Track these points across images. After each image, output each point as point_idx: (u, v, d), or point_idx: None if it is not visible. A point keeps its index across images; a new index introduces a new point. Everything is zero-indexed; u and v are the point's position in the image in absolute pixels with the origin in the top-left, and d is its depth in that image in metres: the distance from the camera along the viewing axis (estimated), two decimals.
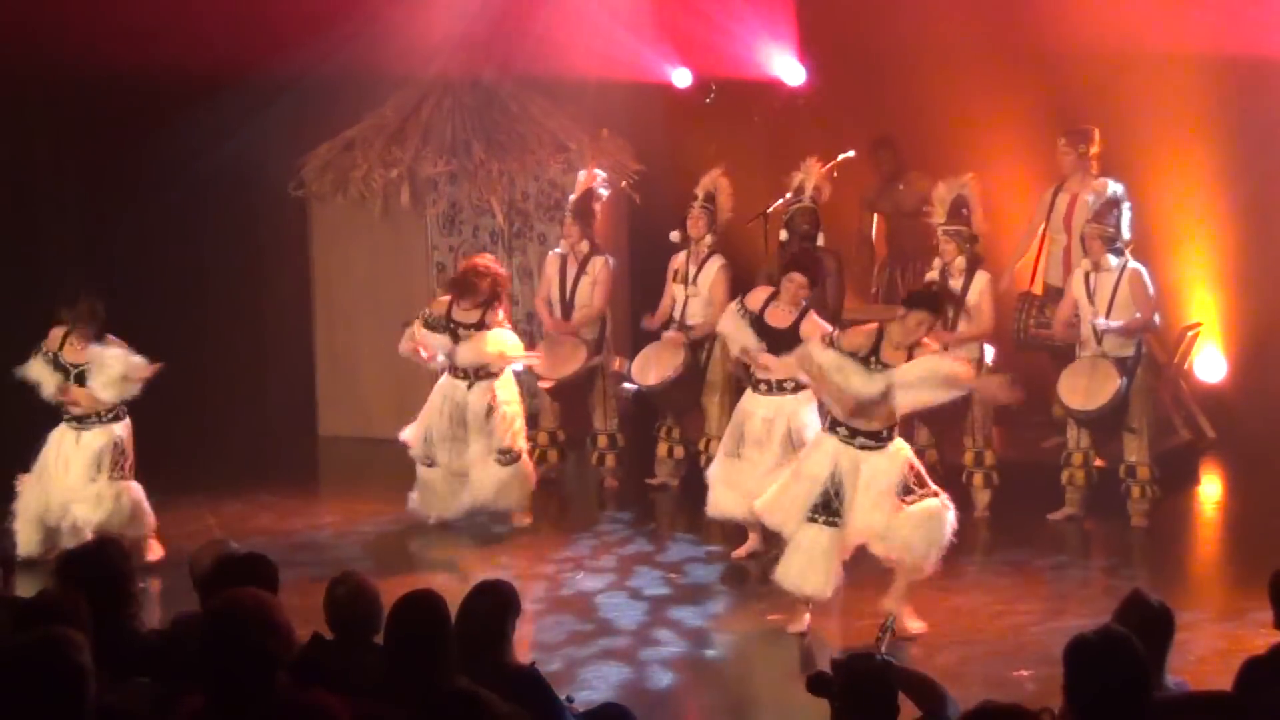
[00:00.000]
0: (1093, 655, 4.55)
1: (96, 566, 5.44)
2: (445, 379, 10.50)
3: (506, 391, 10.43)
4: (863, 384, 8.24)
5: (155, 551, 9.82)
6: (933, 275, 10.47)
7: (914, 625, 8.36)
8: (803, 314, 9.52)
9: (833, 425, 8.44)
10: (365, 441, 12.87)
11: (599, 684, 7.70)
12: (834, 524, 8.29)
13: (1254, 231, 12.05)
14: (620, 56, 12.71)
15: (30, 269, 12.72)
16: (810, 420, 9.43)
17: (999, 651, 8.15)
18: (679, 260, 11.15)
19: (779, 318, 9.56)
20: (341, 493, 11.69)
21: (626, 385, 11.13)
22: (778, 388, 9.52)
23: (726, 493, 9.65)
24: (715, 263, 11.00)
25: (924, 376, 8.20)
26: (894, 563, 8.37)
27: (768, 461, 9.44)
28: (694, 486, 11.31)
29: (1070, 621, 7.72)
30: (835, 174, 11.27)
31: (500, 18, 12.65)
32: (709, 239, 11.00)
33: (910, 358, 8.25)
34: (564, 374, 11.08)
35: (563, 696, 5.49)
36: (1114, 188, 10.22)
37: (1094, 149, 10.95)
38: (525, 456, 10.51)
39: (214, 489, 10.68)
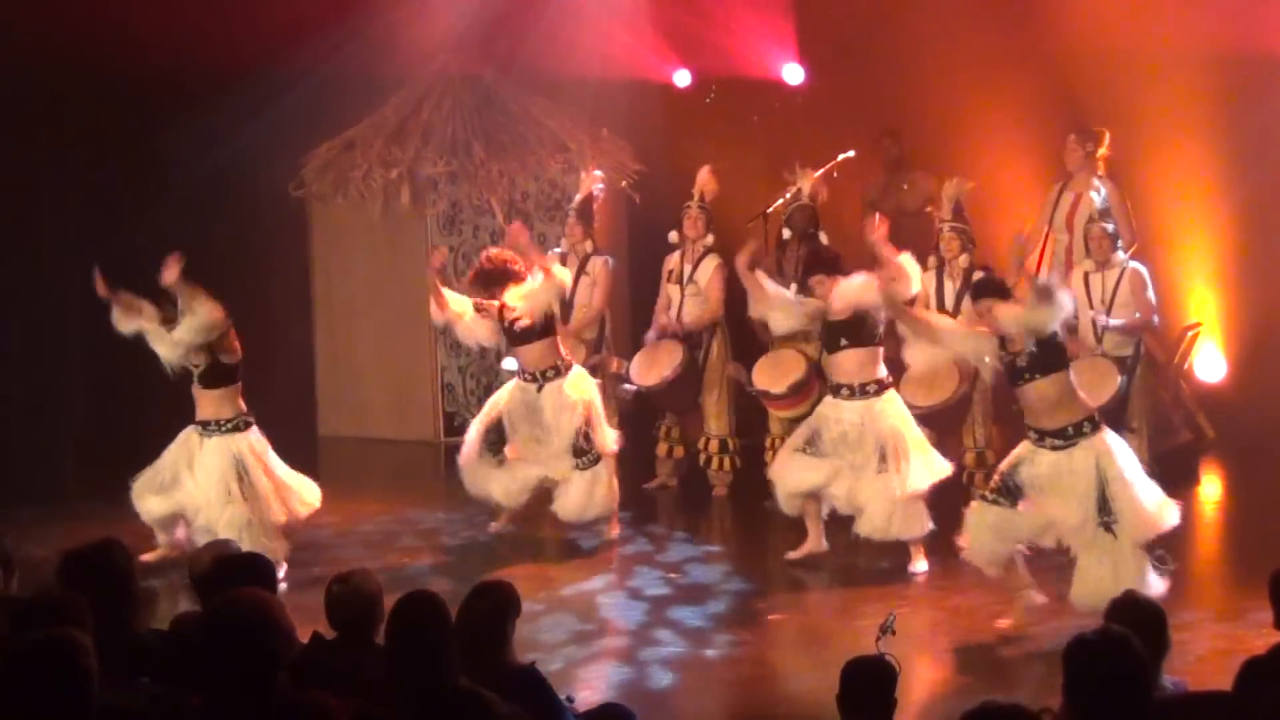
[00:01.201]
0: (1092, 655, 4.55)
1: (98, 566, 5.44)
2: (515, 383, 10.20)
3: (577, 389, 10.08)
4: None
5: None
6: (929, 273, 10.47)
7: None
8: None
9: (1027, 429, 8.31)
10: (365, 441, 12.88)
11: (599, 684, 7.69)
12: (999, 503, 8.18)
13: (1253, 231, 12.05)
14: (620, 56, 12.72)
15: (31, 269, 12.73)
16: (903, 417, 9.37)
17: (999, 652, 8.15)
18: (673, 261, 11.17)
19: (839, 309, 9.41)
20: (341, 493, 11.67)
21: (626, 386, 11.14)
22: (860, 391, 9.37)
23: (794, 472, 9.43)
24: (712, 261, 11.02)
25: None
26: None
27: (860, 463, 9.28)
28: (695, 486, 11.34)
29: (1070, 621, 7.71)
30: (836, 174, 11.28)
31: (500, 18, 12.65)
32: (708, 239, 11.02)
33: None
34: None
35: (563, 696, 5.49)
36: (1104, 190, 10.26)
37: (1102, 150, 10.93)
38: (606, 458, 10.08)
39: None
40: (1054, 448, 8.14)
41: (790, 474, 9.48)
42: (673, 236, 11.15)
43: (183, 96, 12.24)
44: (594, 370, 11.25)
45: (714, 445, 11.24)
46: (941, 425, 10.52)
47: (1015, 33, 11.96)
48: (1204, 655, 7.74)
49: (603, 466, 10.07)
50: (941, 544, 8.92)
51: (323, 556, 9.87)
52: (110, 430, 12.49)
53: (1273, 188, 11.89)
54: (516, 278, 9.97)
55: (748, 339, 10.89)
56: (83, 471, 11.99)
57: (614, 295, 11.56)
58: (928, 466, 9.31)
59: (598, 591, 9.35)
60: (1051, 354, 8.12)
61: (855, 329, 9.35)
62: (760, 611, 8.97)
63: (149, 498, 9.61)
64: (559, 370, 10.07)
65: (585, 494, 10.04)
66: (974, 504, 8.35)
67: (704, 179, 11.04)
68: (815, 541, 9.59)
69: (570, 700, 5.62)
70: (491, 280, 10.04)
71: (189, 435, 9.65)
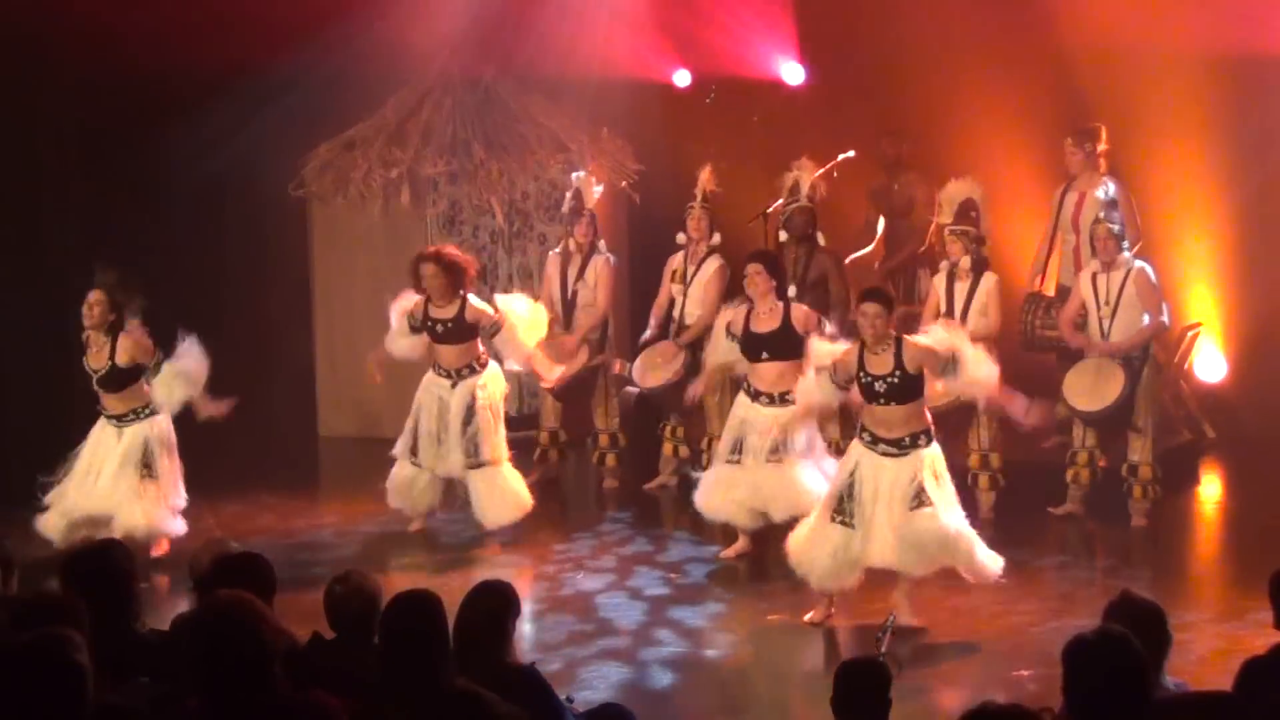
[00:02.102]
0: (1092, 655, 4.55)
1: (99, 566, 5.44)
2: (429, 376, 10.35)
3: (487, 392, 10.22)
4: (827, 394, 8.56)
5: (161, 547, 9.83)
6: (940, 276, 10.47)
7: (911, 620, 8.38)
8: (787, 310, 9.57)
9: (860, 430, 8.51)
10: (365, 441, 12.85)
11: (599, 684, 7.69)
12: (848, 525, 8.33)
13: (1253, 231, 12.05)
14: (620, 56, 12.71)
15: (32, 269, 12.72)
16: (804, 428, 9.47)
17: (999, 651, 8.15)
18: (676, 260, 11.17)
19: (763, 322, 9.58)
20: (341, 493, 11.69)
21: (630, 388, 11.16)
22: (780, 400, 9.45)
23: (719, 494, 9.66)
24: (713, 263, 11.02)
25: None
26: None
27: (760, 462, 9.48)
28: (694, 486, 11.33)
29: (1070, 621, 7.71)
30: (835, 174, 11.27)
31: (500, 18, 12.65)
32: (713, 239, 11.04)
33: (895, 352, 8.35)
34: (566, 374, 11.07)
35: (563, 696, 5.49)
36: (1111, 187, 10.27)
37: (1101, 147, 10.95)
38: (502, 462, 10.20)
39: (214, 489, 10.67)
40: (884, 454, 8.34)
41: (715, 498, 9.67)
42: (680, 237, 11.16)
43: (183, 97, 12.23)
44: (597, 369, 11.28)
45: (719, 444, 11.23)
46: (947, 427, 10.52)
47: (1015, 33, 11.96)
48: (1204, 655, 7.74)
49: (496, 471, 10.13)
50: None
51: (323, 556, 9.89)
52: None
53: (1273, 188, 11.90)
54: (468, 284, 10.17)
55: None
56: None
57: (616, 295, 11.56)
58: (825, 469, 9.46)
59: (598, 591, 9.35)
60: (912, 385, 8.34)
61: (779, 343, 9.50)
62: (760, 611, 8.97)
63: (68, 501, 9.75)
64: (474, 368, 10.21)
65: (486, 497, 10.10)
66: (817, 523, 8.46)
67: (705, 179, 11.04)
68: (745, 543, 9.77)
69: (570, 700, 5.62)
70: (455, 274, 10.11)
71: (104, 429, 9.85)
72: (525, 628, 7.38)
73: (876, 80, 12.60)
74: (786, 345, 9.47)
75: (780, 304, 9.59)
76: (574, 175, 11.62)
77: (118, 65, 12.01)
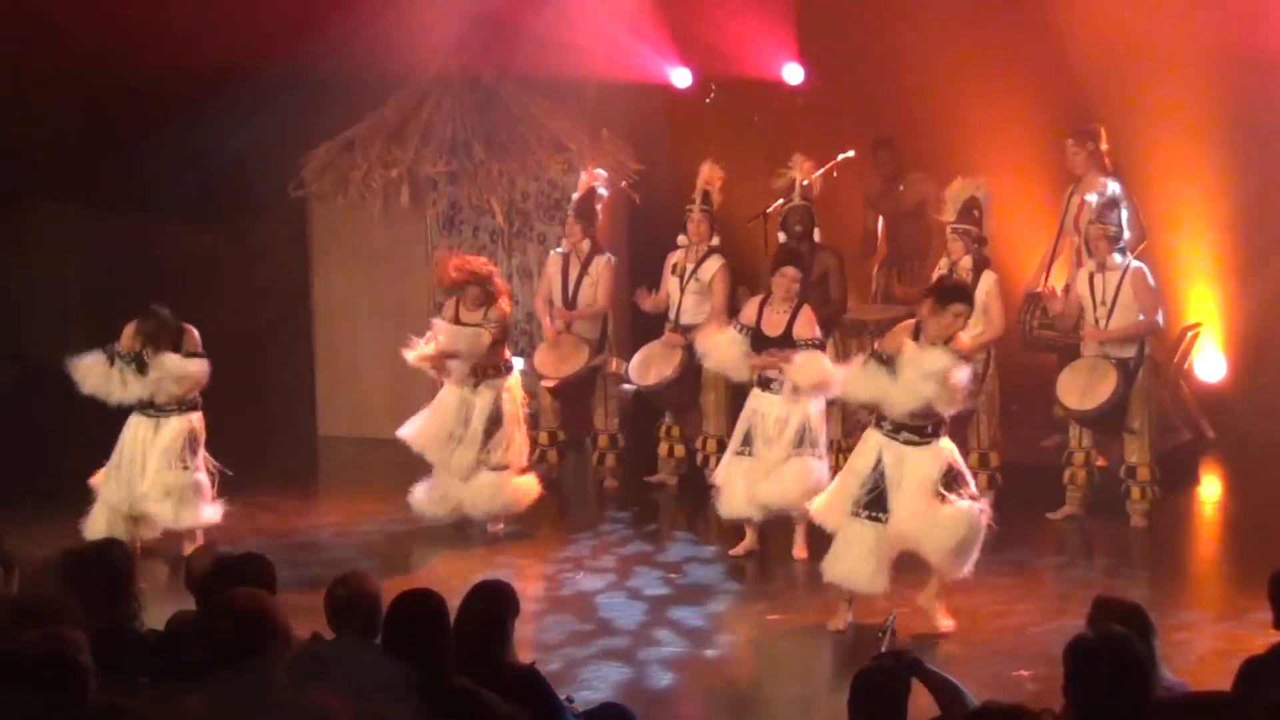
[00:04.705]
0: (1093, 656, 4.56)
1: (98, 566, 5.44)
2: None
3: (510, 396, 10.30)
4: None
5: (194, 542, 9.79)
6: (938, 273, 10.45)
7: (944, 623, 8.41)
8: (795, 312, 9.56)
9: (877, 420, 8.43)
10: (365, 441, 12.87)
11: (599, 684, 7.70)
12: (878, 519, 8.28)
13: (1253, 231, 12.05)
14: (620, 56, 12.71)
15: (30, 268, 12.74)
16: (821, 414, 9.56)
17: (999, 651, 8.15)
18: (677, 255, 11.17)
19: (774, 323, 9.62)
20: (341, 493, 11.69)
21: (625, 386, 11.16)
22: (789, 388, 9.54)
23: (737, 492, 9.67)
24: (715, 262, 11.01)
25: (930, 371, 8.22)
26: (932, 563, 8.38)
27: (777, 456, 9.50)
28: (693, 485, 11.33)
29: (1070, 621, 7.70)
30: (835, 174, 11.27)
31: (500, 18, 12.65)
32: (713, 239, 11.05)
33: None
34: (566, 373, 11.08)
35: (563, 696, 5.50)
36: (1112, 186, 10.25)
37: (1103, 145, 10.94)
38: (514, 469, 10.28)
39: (214, 489, 10.65)
40: (907, 442, 8.26)
41: (729, 497, 9.69)
42: (681, 239, 11.17)
43: (183, 96, 12.23)
44: (597, 370, 11.29)
45: (712, 444, 11.22)
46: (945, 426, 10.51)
47: (1015, 32, 11.96)
48: (1204, 655, 7.75)
49: (508, 475, 10.22)
50: None
51: (323, 556, 9.89)
52: (110, 429, 12.48)
53: (1273, 188, 11.90)
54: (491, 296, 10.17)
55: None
56: (82, 471, 11.97)
57: (615, 295, 11.56)
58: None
59: (598, 591, 9.35)
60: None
61: (782, 346, 9.56)
62: (760, 611, 8.97)
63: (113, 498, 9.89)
64: (499, 370, 10.25)
65: (494, 492, 10.17)
66: (848, 524, 8.36)
67: (707, 174, 11.05)
68: (753, 540, 9.80)
69: (570, 700, 5.62)
70: (486, 285, 10.16)
71: (140, 423, 9.95)
72: (525, 628, 7.35)
73: (876, 80, 12.60)
74: (789, 348, 9.56)
75: (791, 308, 9.62)
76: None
77: (117, 64, 12.01)
